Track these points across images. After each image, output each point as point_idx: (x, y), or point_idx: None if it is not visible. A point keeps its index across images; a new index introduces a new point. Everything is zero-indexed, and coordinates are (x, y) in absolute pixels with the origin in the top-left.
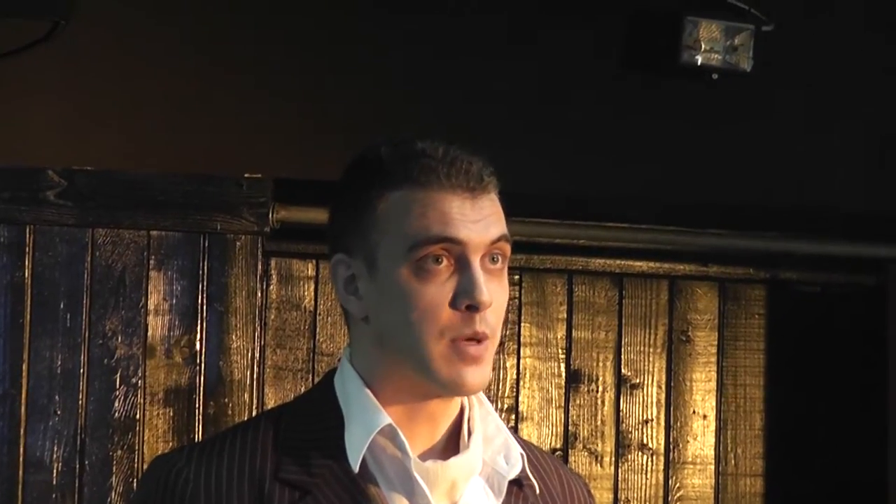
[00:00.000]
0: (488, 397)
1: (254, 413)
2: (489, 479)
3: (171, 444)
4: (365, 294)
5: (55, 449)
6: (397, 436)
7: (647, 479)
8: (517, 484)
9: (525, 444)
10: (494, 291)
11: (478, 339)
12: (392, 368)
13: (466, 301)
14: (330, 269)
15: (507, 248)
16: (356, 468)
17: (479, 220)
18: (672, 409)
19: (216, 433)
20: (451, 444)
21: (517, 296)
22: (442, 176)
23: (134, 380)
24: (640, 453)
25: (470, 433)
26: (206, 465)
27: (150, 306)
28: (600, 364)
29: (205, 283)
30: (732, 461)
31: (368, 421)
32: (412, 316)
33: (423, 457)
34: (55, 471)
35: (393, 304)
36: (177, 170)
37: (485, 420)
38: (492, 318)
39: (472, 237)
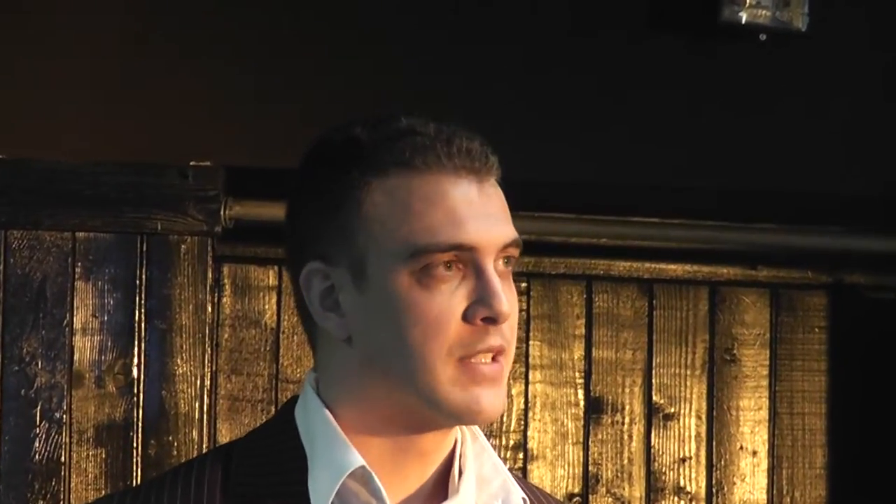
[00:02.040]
0: (490, 432)
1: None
2: None
3: (102, 491)
4: (348, 310)
5: None
6: (371, 480)
7: None
8: None
9: (530, 489)
10: (509, 298)
11: (492, 354)
12: (379, 398)
13: (484, 313)
14: (300, 281)
15: (518, 251)
16: None
17: (489, 214)
18: (714, 444)
19: (154, 477)
20: (439, 488)
21: (525, 307)
22: (442, 156)
23: (58, 414)
24: (676, 499)
25: (461, 474)
26: None
27: (77, 324)
28: (627, 390)
29: (143, 296)
30: None
31: (336, 463)
32: (414, 333)
33: None
34: None
35: (388, 320)
36: (108, 158)
37: (479, 458)
38: (507, 331)
39: (485, 240)
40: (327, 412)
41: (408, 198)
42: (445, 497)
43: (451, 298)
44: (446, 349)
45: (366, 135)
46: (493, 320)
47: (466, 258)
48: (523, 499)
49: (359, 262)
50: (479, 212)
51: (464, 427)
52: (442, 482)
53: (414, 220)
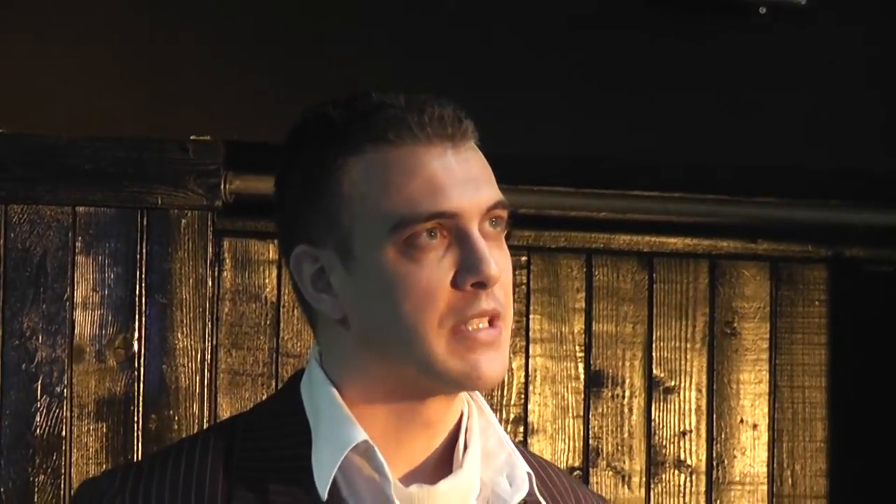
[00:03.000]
0: (490, 406)
1: (205, 427)
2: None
3: (103, 465)
4: (340, 290)
5: None
6: (375, 455)
7: (684, 503)
8: None
9: (535, 461)
10: (499, 261)
11: (487, 318)
12: (379, 375)
13: (473, 278)
14: (290, 265)
15: (505, 213)
16: (325, 495)
17: (468, 178)
18: (715, 417)
19: (156, 452)
20: (443, 462)
21: (524, 281)
22: (414, 126)
23: (58, 388)
24: (676, 472)
25: (466, 448)
26: (143, 491)
27: (77, 299)
28: (627, 364)
29: (143, 270)
30: (789, 480)
31: (339, 437)
32: (405, 306)
33: (408, 479)
34: None
35: (379, 296)
36: (108, 133)
37: (485, 433)
38: (500, 294)
39: (466, 204)
40: (332, 387)
41: (385, 172)
42: (450, 471)
43: (438, 267)
44: (438, 319)
45: (338, 114)
46: (482, 284)
47: (450, 225)
48: (528, 473)
49: (345, 241)
50: (458, 177)
51: (470, 400)
52: (447, 456)
53: (393, 193)
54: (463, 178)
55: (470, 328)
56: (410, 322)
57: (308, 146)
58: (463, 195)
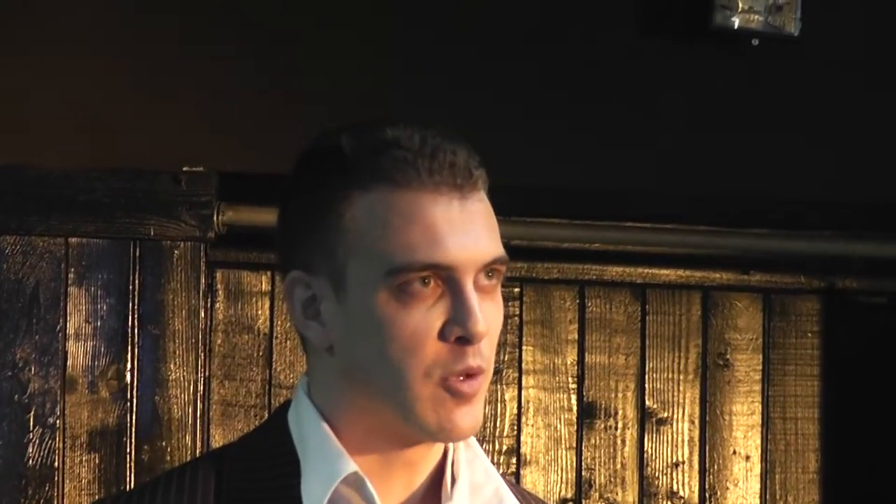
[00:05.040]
0: (483, 437)
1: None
2: None
3: (96, 496)
4: (329, 320)
5: None
6: (364, 486)
7: None
8: None
9: (523, 496)
10: (489, 316)
11: (470, 374)
12: (362, 409)
13: (459, 332)
14: (284, 288)
15: (504, 267)
16: None
17: (469, 231)
18: (707, 448)
19: (146, 481)
20: (431, 495)
21: (517, 312)
22: (423, 172)
23: (51, 419)
24: (669, 503)
25: (454, 481)
26: None
27: (70, 330)
28: (619, 395)
29: (136, 301)
30: None
31: (329, 468)
32: (391, 349)
33: None
34: None
35: (366, 334)
36: (101, 164)
37: (472, 465)
38: (486, 350)
39: (463, 258)
40: (320, 418)
41: (387, 214)
42: (438, 503)
43: (427, 316)
44: (424, 368)
45: (350, 146)
46: (467, 341)
47: (444, 276)
48: None
49: (338, 274)
50: (459, 229)
51: None
52: (434, 489)
53: (392, 236)
54: (464, 231)
55: (453, 381)
56: (395, 364)
57: (315, 172)
58: (461, 248)
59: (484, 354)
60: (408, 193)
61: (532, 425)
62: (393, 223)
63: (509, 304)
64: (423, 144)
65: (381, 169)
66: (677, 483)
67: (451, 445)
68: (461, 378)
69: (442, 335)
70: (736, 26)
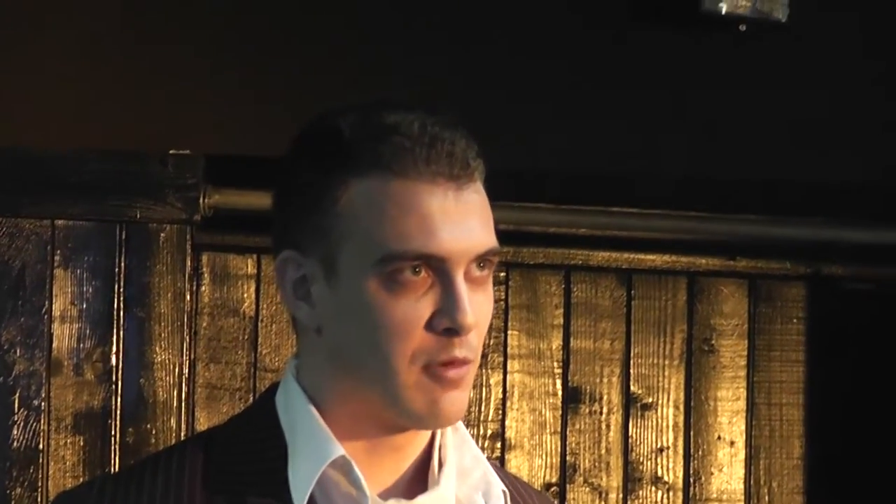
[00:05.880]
0: (468, 421)
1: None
2: None
3: (80, 478)
4: (319, 301)
5: None
6: (352, 470)
7: None
8: None
9: (510, 480)
10: (478, 307)
11: (456, 364)
12: (349, 392)
13: (446, 324)
14: (275, 267)
15: (496, 258)
16: None
17: (463, 222)
18: (692, 434)
19: (133, 464)
20: (419, 479)
21: (503, 297)
22: (420, 162)
23: (36, 402)
24: (653, 488)
25: (441, 465)
26: (121, 503)
27: (56, 312)
28: (605, 380)
29: (122, 284)
30: (766, 497)
31: (317, 452)
32: (379, 335)
33: (385, 494)
34: None
35: (355, 319)
36: (88, 146)
37: (459, 449)
38: (474, 340)
39: (456, 249)
40: (308, 401)
41: (383, 201)
42: (425, 488)
43: (416, 305)
44: (410, 356)
45: (349, 130)
46: (455, 332)
47: (435, 266)
48: (503, 490)
49: (331, 257)
50: (454, 221)
51: None
52: (421, 473)
53: (386, 224)
54: (458, 222)
55: (437, 367)
56: (382, 351)
57: (313, 154)
58: (454, 240)
59: (472, 345)
60: (404, 182)
61: (517, 410)
62: (388, 211)
63: (495, 288)
64: (423, 132)
65: (378, 156)
66: (662, 468)
67: (438, 430)
68: (445, 365)
69: (430, 325)
70: (724, 12)
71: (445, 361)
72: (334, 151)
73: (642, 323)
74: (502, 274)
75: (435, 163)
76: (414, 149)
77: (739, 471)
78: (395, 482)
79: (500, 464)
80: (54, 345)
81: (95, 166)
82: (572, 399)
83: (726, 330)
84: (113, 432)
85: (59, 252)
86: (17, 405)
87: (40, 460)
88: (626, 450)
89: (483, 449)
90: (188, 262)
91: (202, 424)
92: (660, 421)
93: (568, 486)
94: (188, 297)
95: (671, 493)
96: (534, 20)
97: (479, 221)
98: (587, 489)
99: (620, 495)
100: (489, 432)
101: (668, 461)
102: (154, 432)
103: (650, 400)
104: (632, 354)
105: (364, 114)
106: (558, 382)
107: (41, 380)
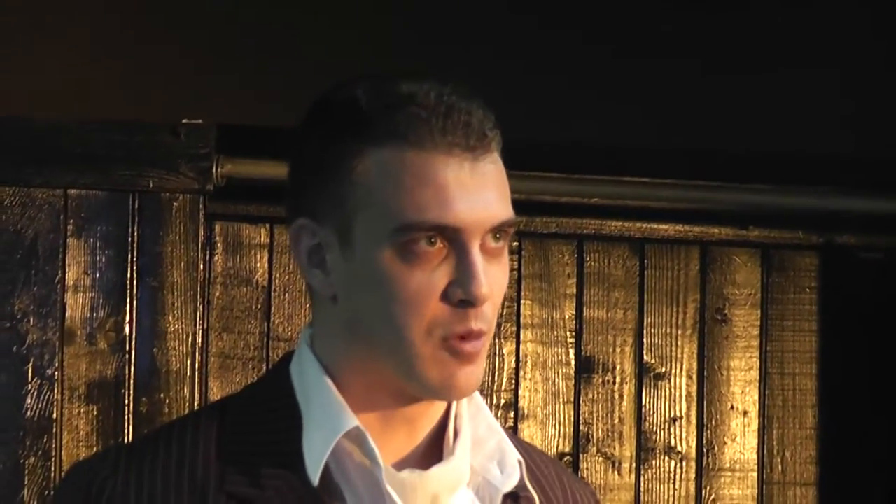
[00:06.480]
0: (481, 391)
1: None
2: (479, 491)
3: (94, 448)
4: (334, 269)
5: None
6: (366, 441)
7: (674, 489)
8: (512, 497)
9: (524, 448)
10: (493, 279)
11: (472, 336)
12: (364, 362)
13: (461, 295)
14: (290, 234)
15: (512, 229)
16: (316, 480)
17: (480, 193)
18: (705, 404)
19: (147, 433)
20: (434, 449)
21: (516, 267)
22: (436, 132)
23: (49, 371)
24: (666, 458)
25: (456, 435)
26: (135, 473)
27: (69, 281)
28: (617, 350)
29: (135, 254)
30: (779, 467)
31: (331, 422)
32: (394, 306)
33: (399, 465)
34: None
35: (369, 289)
36: (100, 115)
37: (475, 419)
38: (489, 312)
39: (471, 220)
40: (322, 371)
41: (399, 171)
42: (440, 458)
43: (431, 276)
44: (426, 327)
45: (366, 99)
46: (470, 304)
47: (451, 237)
48: (518, 460)
49: (345, 226)
50: (470, 192)
51: None
52: (436, 444)
53: (402, 195)
54: (474, 193)
55: (454, 341)
56: (397, 321)
57: (329, 124)
58: (470, 211)
59: (486, 317)
60: (420, 153)
61: (530, 379)
62: (404, 182)
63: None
64: (439, 102)
65: (395, 126)
66: (675, 438)
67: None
68: (462, 338)
69: (445, 296)
70: None
71: (461, 333)
72: (350, 120)
73: (655, 292)
74: (515, 244)
75: (451, 133)
76: (430, 119)
77: (752, 440)
78: (410, 453)
79: (513, 433)
80: (67, 314)
81: (107, 136)
82: (585, 369)
83: (739, 299)
84: (126, 402)
85: (71, 222)
86: (30, 374)
87: (54, 430)
88: (640, 419)
89: (496, 418)
90: (201, 232)
91: (215, 394)
92: (673, 391)
93: (581, 455)
94: (201, 267)
95: (684, 463)
96: None
97: (495, 192)
98: (600, 459)
99: (633, 465)
100: (502, 402)
101: (681, 431)
102: (167, 402)
103: (663, 369)
104: (645, 324)
105: (380, 83)
106: (571, 352)
107: (54, 349)
